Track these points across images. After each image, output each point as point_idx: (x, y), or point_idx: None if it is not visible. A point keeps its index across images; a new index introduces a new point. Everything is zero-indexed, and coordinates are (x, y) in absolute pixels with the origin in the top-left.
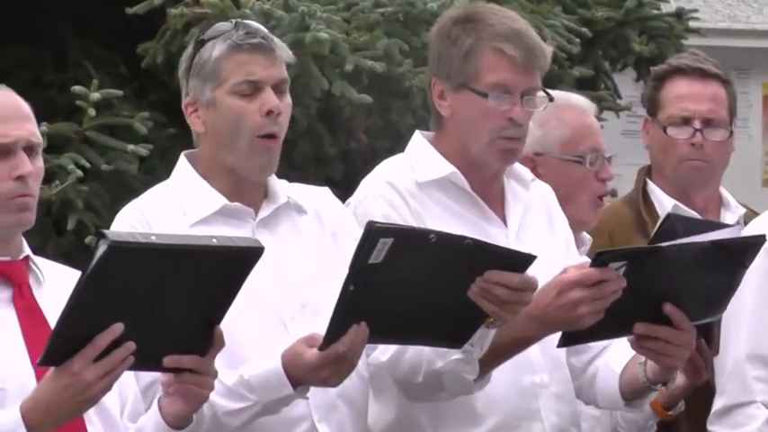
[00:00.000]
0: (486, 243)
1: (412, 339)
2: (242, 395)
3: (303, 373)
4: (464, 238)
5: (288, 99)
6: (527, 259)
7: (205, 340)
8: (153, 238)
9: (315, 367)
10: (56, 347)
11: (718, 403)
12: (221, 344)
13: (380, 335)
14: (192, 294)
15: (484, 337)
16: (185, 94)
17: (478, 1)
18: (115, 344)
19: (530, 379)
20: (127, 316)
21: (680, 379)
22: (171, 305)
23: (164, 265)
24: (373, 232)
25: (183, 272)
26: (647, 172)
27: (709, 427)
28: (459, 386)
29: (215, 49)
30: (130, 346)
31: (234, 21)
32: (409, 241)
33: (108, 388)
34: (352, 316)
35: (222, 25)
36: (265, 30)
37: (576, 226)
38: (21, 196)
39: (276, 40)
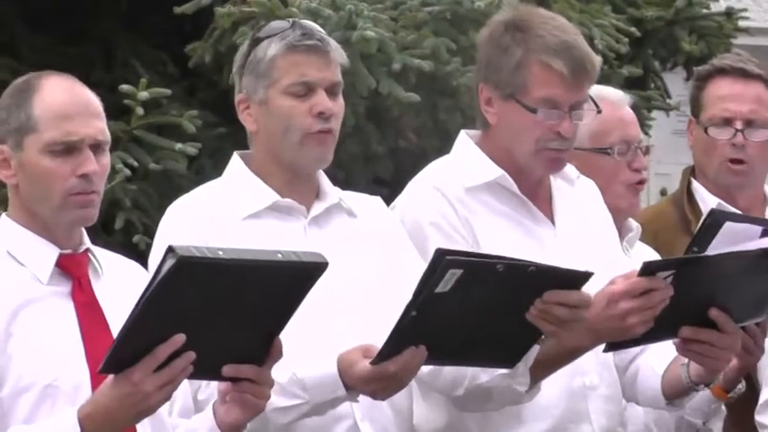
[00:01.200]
0: (547, 266)
1: (466, 361)
2: (294, 393)
3: (353, 383)
4: (529, 264)
5: (341, 101)
6: (583, 277)
7: (264, 350)
8: (220, 253)
9: (364, 380)
10: (117, 356)
11: (766, 394)
12: (280, 354)
13: (436, 357)
14: (255, 307)
15: (531, 353)
16: (238, 90)
17: (528, 2)
18: (175, 353)
19: (579, 381)
20: (189, 327)
21: (734, 360)
22: (233, 317)
23: (229, 279)
24: (444, 264)
25: (247, 285)
26: (691, 171)
27: (757, 417)
28: (509, 397)
29: (270, 49)
30: (190, 356)
31: (291, 20)
32: (478, 272)
33: (167, 398)
34: (410, 339)
35: (279, 24)
36: (322, 31)
37: (615, 214)
38: (83, 193)
39: (332, 41)
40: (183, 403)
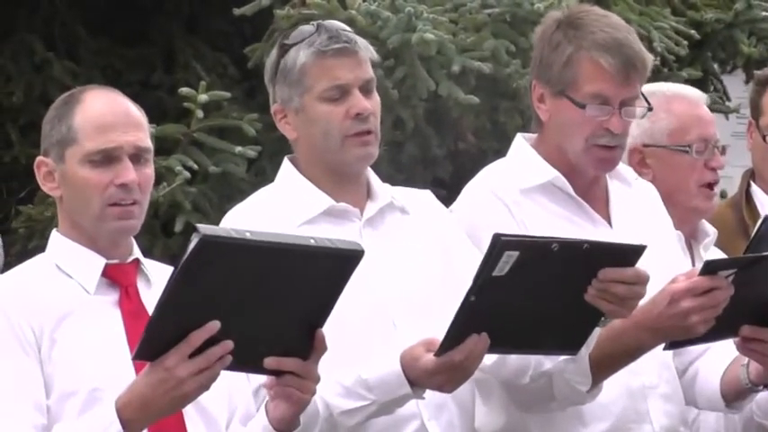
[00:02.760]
0: (600, 243)
1: (529, 349)
2: (360, 395)
3: (419, 377)
4: (583, 242)
5: (376, 97)
6: (637, 251)
7: (307, 343)
8: (248, 234)
9: (430, 372)
10: (149, 341)
11: None
12: (323, 348)
13: (499, 344)
14: (291, 295)
15: (592, 338)
16: (273, 100)
17: (587, 2)
18: (214, 342)
19: (638, 381)
20: (224, 314)
21: None
22: (269, 305)
23: (259, 264)
24: (499, 246)
25: (279, 271)
26: (751, 174)
27: None
28: (571, 396)
29: (299, 56)
30: (228, 344)
31: (315, 23)
32: (534, 253)
33: (204, 386)
34: (471, 326)
35: (304, 29)
36: (347, 29)
37: (690, 215)
38: (122, 204)
39: (359, 40)
40: (245, 412)
